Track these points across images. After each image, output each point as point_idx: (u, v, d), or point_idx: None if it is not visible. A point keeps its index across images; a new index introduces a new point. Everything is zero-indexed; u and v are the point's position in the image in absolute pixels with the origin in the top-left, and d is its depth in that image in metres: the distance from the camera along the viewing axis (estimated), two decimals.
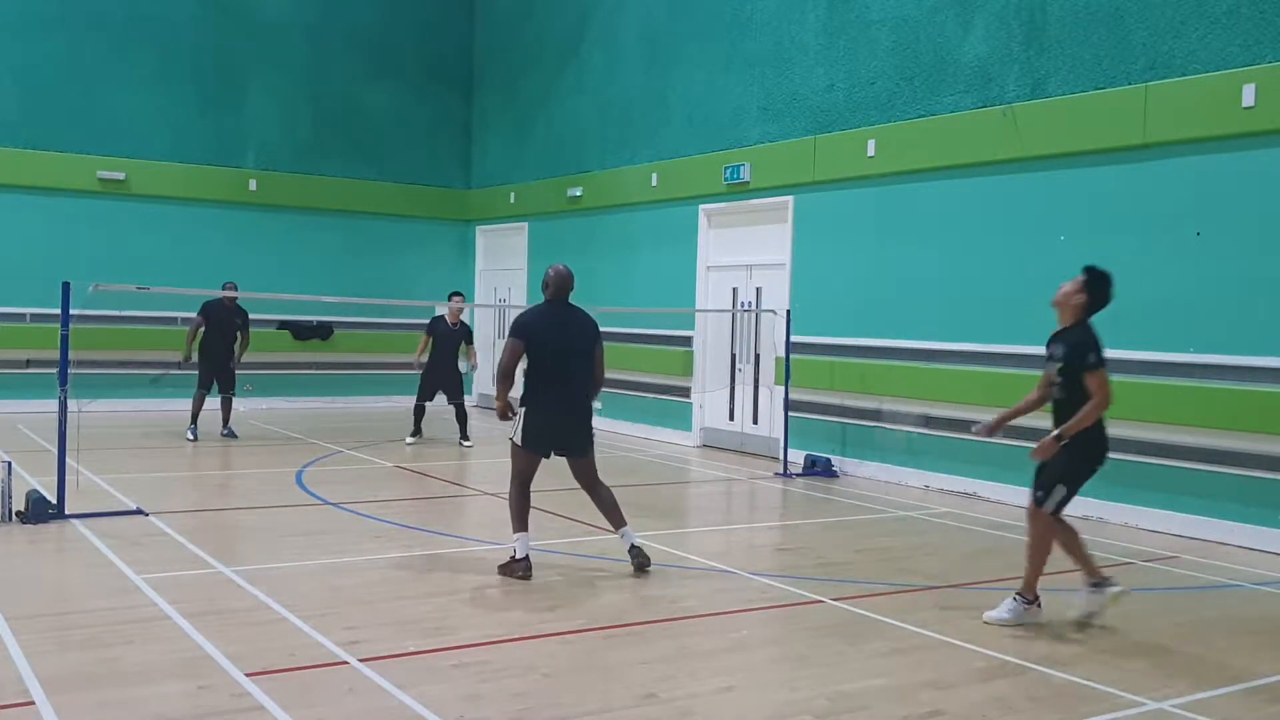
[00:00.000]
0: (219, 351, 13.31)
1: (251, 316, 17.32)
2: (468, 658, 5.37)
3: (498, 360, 7.17)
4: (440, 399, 13.92)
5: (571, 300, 7.32)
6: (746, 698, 4.96)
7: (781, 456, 12.34)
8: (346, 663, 5.21)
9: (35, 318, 15.64)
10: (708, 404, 14.44)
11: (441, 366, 13.77)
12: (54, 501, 8.36)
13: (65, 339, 8.44)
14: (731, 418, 14.14)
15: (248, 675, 4.95)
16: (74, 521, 8.22)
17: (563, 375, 7.08)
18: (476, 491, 10.68)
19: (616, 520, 7.31)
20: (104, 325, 15.00)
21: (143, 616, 5.90)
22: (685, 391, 14.70)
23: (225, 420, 13.62)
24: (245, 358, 13.84)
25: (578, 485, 7.43)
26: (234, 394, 13.65)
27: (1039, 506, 6.23)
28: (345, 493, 9.96)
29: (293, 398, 17.53)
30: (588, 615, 6.23)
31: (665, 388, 14.99)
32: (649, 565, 7.23)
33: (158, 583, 6.56)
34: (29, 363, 15.51)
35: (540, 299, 7.40)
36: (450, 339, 13.81)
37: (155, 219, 16.83)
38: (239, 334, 13.51)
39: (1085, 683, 5.24)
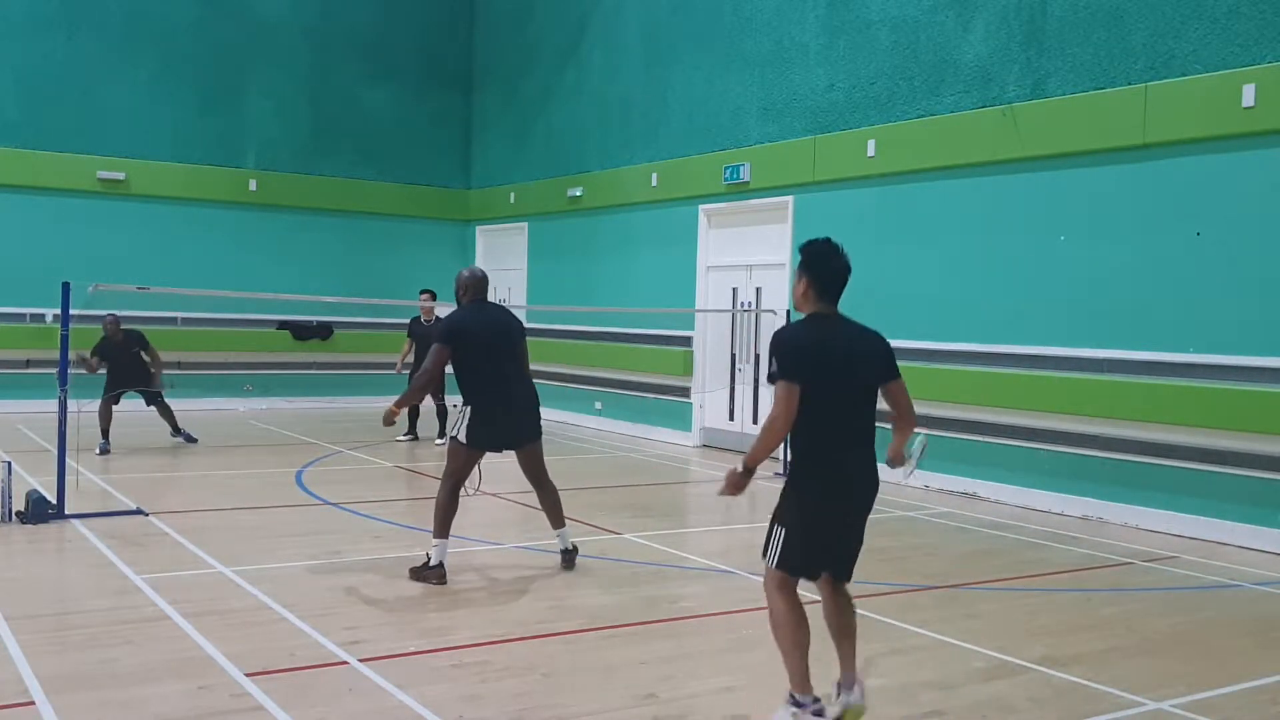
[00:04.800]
0: (124, 379, 12.36)
1: (251, 317, 17.28)
2: (468, 658, 5.37)
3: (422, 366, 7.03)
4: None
5: (495, 299, 7.43)
6: (746, 698, 4.96)
7: (782, 457, 12.33)
8: (346, 663, 5.21)
9: (35, 318, 15.65)
10: (708, 404, 14.44)
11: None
12: (54, 501, 8.36)
13: (65, 339, 8.44)
14: (731, 418, 14.13)
15: (248, 675, 4.95)
16: (74, 521, 8.22)
17: (499, 370, 7.01)
18: (476, 491, 10.64)
19: (556, 520, 7.33)
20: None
21: (143, 616, 5.90)
22: (685, 391, 14.69)
23: (174, 427, 12.94)
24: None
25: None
26: (161, 397, 12.80)
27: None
28: (345, 493, 9.96)
29: (293, 398, 17.53)
30: (588, 615, 6.23)
31: (665, 388, 14.99)
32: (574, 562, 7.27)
33: (158, 583, 6.56)
34: (29, 363, 15.51)
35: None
36: (429, 338, 13.85)
37: (155, 219, 16.83)
38: (141, 354, 12.55)
39: (1085, 683, 5.24)
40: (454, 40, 19.58)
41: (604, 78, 16.38)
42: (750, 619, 6.34)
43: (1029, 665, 5.50)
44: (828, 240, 4.53)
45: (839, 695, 4.49)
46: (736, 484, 4.36)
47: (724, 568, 7.48)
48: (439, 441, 13.66)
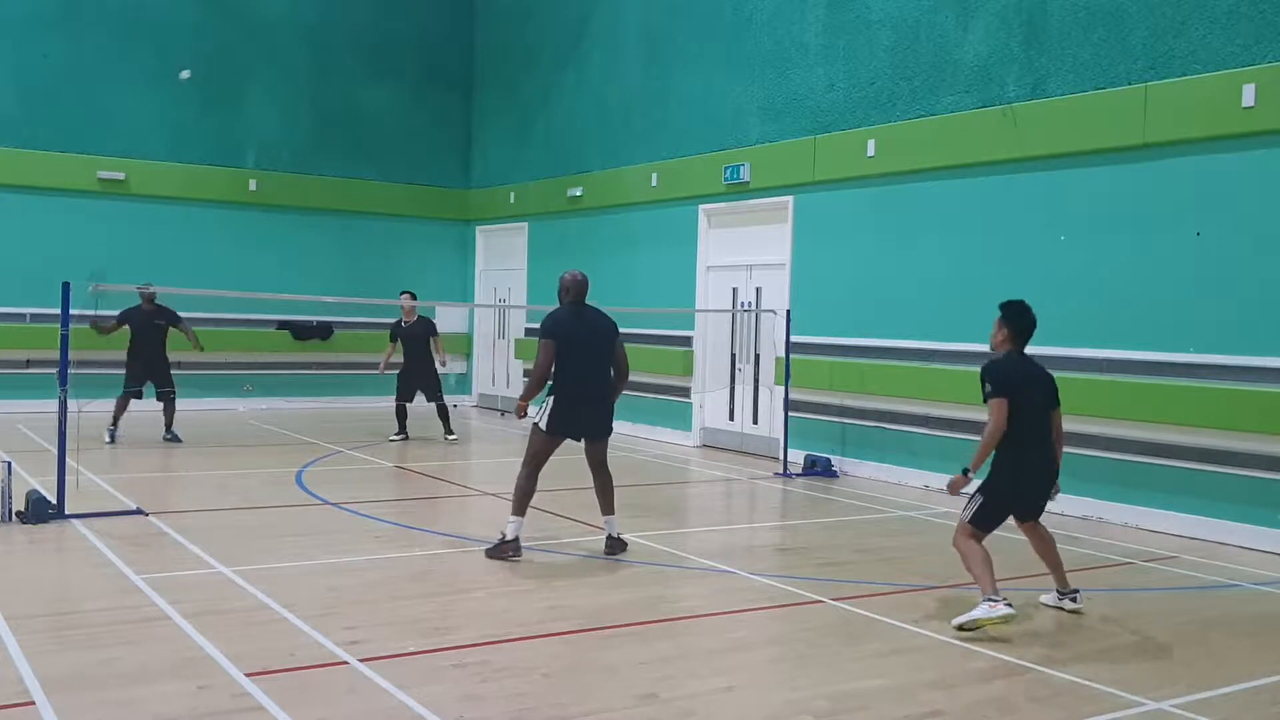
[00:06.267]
0: (147, 355, 12.84)
1: (251, 317, 17.27)
2: (468, 658, 5.37)
3: (534, 362, 7.76)
4: (420, 399, 14.11)
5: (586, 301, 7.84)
6: (746, 698, 4.96)
7: (781, 456, 12.34)
8: (346, 663, 5.21)
9: (35, 318, 15.65)
10: (708, 404, 14.43)
11: (414, 367, 13.92)
12: (54, 501, 8.36)
13: (65, 339, 8.44)
14: (731, 418, 14.14)
15: (248, 675, 4.95)
16: (74, 521, 8.22)
17: (586, 368, 7.58)
18: (477, 491, 10.67)
19: (606, 506, 7.78)
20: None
21: (143, 616, 5.90)
22: (685, 391, 14.69)
23: (168, 424, 13.07)
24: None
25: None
26: (174, 395, 13.10)
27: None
28: (345, 493, 9.96)
29: (293, 398, 17.51)
30: (588, 615, 6.23)
31: (665, 388, 14.99)
32: (621, 552, 7.70)
33: (158, 583, 6.56)
34: (29, 363, 15.50)
35: (554, 301, 7.98)
36: (414, 338, 13.90)
37: (155, 219, 16.82)
38: (166, 335, 13.06)
39: (1085, 683, 5.24)
40: (454, 40, 19.58)
41: (604, 78, 16.38)
42: (750, 619, 6.35)
43: (1029, 665, 5.50)
44: (1022, 302, 6.53)
45: (1061, 599, 6.55)
46: (958, 485, 6.13)
47: (724, 568, 7.48)
48: (450, 437, 13.70)
